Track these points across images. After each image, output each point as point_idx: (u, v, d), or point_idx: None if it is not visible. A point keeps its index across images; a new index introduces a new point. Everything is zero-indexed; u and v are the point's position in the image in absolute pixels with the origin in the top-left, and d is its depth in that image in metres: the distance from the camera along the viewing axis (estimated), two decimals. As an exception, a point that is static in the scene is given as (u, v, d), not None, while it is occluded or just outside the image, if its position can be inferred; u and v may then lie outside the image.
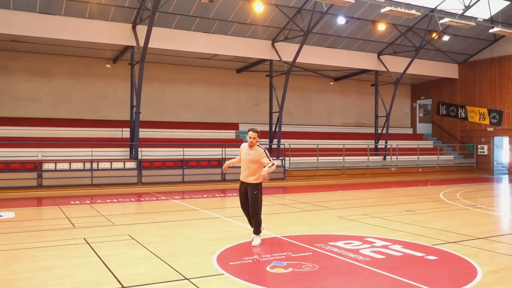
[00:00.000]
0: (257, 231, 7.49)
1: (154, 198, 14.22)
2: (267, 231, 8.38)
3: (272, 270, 5.90)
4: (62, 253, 6.84)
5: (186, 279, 5.51)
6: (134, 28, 17.93)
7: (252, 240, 7.46)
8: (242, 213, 7.83)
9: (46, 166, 15.84)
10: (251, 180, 7.46)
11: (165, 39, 18.55)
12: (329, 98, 27.39)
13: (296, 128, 24.98)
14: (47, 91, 20.04)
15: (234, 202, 13.83)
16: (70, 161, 16.25)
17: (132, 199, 13.94)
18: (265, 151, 7.44)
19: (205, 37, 19.54)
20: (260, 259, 6.40)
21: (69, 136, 18.75)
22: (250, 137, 7.39)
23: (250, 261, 6.32)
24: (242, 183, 7.60)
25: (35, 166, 15.77)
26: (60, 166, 16.03)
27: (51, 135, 18.42)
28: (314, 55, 22.13)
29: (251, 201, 7.44)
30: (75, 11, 16.89)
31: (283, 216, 10.64)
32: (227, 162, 8.05)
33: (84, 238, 7.85)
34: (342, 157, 22.58)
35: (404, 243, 7.43)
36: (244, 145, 7.62)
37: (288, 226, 9.16)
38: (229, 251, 6.96)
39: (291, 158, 21.11)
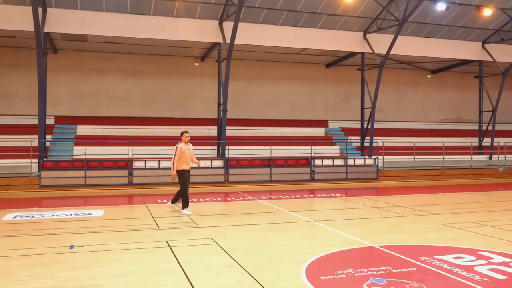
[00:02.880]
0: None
1: (241, 198, 13.81)
2: (359, 238, 7.50)
3: (371, 289, 5.04)
4: (143, 257, 6.50)
5: (271, 296, 4.84)
6: (221, 24, 17.72)
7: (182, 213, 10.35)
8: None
9: (136, 164, 16.08)
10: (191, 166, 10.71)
11: (251, 34, 18.13)
12: (426, 92, 25.43)
13: (389, 125, 23.44)
14: (138, 91, 20.56)
15: (323, 204, 13.04)
16: (159, 159, 16.38)
17: (219, 199, 13.65)
18: None
19: (292, 31, 18.83)
20: (356, 274, 5.56)
21: (159, 134, 19.01)
22: (188, 136, 10.55)
23: (343, 276, 5.50)
24: (188, 170, 10.60)
25: (126, 164, 16.08)
26: (149, 164, 16.21)
27: (141, 133, 18.82)
28: (409, 46, 20.51)
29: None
30: (163, 10, 17.03)
31: (377, 221, 9.62)
32: (173, 171, 10.41)
33: (167, 241, 7.50)
34: (441, 156, 20.74)
35: (531, 261, 6.17)
36: (181, 145, 10.44)
37: (384, 234, 8.17)
38: (320, 262, 6.19)
39: (385, 157, 19.74)
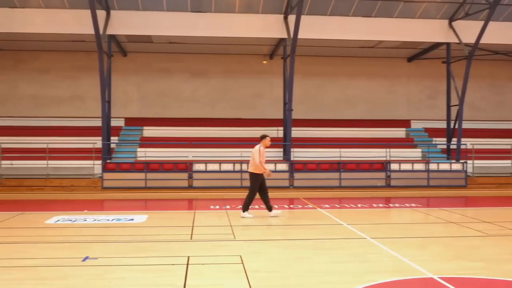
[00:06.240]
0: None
1: (300, 206, 12.59)
2: (418, 264, 5.99)
3: None
4: (149, 277, 5.62)
5: None
6: (285, 18, 16.63)
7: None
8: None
9: (196, 166, 15.52)
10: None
11: (319, 28, 16.81)
12: (529, 87, 22.27)
13: (483, 125, 20.76)
14: (205, 91, 20.13)
15: (392, 216, 11.41)
16: (220, 162, 15.68)
17: (275, 206, 12.50)
18: None
19: (365, 22, 17.18)
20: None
21: (225, 136, 18.34)
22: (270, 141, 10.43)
23: (377, 322, 4.16)
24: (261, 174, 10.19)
25: (186, 167, 15.56)
26: (210, 167, 15.56)
27: (207, 135, 18.32)
28: (505, 34, 17.84)
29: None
30: (224, 7, 16.37)
31: (449, 242, 7.90)
32: (266, 170, 10.20)
33: (188, 257, 6.57)
34: (546, 160, 17.83)
35: None
36: (262, 147, 10.20)
37: (452, 260, 6.52)
38: (354, 298, 4.87)
39: (475, 161, 17.33)
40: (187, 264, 6.20)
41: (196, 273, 5.80)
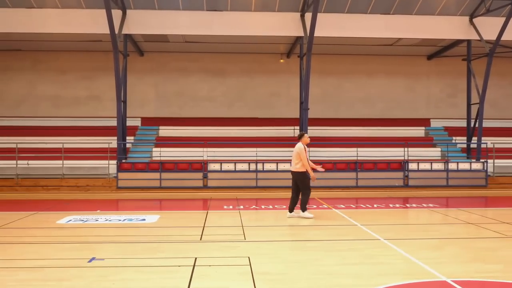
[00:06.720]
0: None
1: (315, 206, 12.38)
2: (431, 266, 5.76)
3: None
4: (152, 279, 5.54)
5: None
6: (302, 16, 16.43)
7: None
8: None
9: (211, 166, 15.44)
10: None
11: (336, 26, 16.57)
12: (554, 85, 21.59)
13: (504, 123, 20.24)
14: (222, 91, 20.07)
15: (408, 216, 11.11)
16: (235, 162, 15.57)
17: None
18: None
19: (384, 19, 16.86)
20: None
21: (241, 135, 18.24)
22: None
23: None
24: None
25: (201, 167, 15.50)
26: (225, 166, 15.47)
27: (223, 134, 18.25)
28: (528, 30, 17.34)
29: None
30: (240, 5, 16.24)
31: (466, 243, 7.63)
32: (312, 173, 9.95)
33: (195, 258, 6.47)
34: None
35: None
36: (303, 146, 10.01)
37: (468, 262, 6.28)
38: (362, 303, 4.69)
39: (496, 161, 16.85)
40: (194, 266, 6.10)
41: (202, 275, 5.69)
